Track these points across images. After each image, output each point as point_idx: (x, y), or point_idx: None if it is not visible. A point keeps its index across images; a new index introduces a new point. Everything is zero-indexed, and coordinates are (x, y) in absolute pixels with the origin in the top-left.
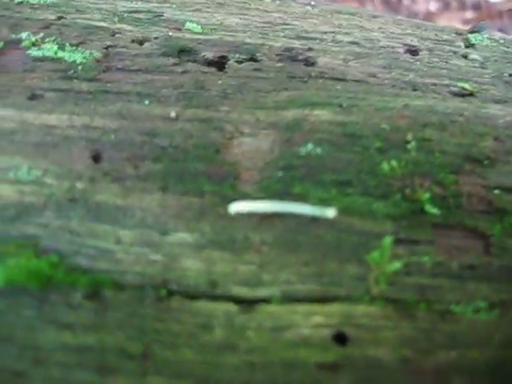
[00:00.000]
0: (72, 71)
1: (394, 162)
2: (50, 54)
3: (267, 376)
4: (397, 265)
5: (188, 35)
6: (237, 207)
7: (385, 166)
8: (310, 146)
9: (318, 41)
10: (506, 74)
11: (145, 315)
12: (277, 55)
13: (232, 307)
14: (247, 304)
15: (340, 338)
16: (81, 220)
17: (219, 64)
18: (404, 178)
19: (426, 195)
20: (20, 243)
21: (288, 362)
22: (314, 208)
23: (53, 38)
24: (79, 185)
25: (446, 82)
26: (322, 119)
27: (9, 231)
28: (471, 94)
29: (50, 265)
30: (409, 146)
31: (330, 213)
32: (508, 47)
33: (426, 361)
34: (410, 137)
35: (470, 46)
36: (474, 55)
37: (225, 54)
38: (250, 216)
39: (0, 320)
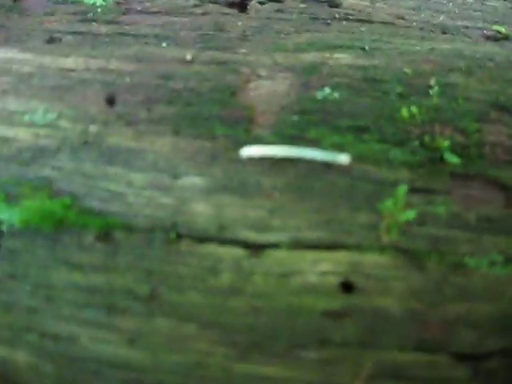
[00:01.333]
0: (91, 13)
1: (414, 108)
2: None
3: (272, 321)
4: (410, 214)
5: None
6: (249, 151)
7: (404, 112)
8: (327, 90)
9: None
10: None
11: (153, 257)
12: None
13: (240, 251)
14: (255, 249)
15: (347, 287)
16: (94, 163)
17: (241, 5)
18: (424, 124)
19: (446, 143)
20: (35, 185)
21: (293, 308)
22: (327, 153)
23: None
24: (93, 128)
25: (480, 24)
26: (341, 63)
27: (25, 173)
28: (506, 38)
29: (62, 206)
30: (431, 92)
31: (344, 159)
32: None
33: (434, 313)
34: (433, 82)
35: None
36: None
37: None
38: (261, 161)
39: (16, 259)
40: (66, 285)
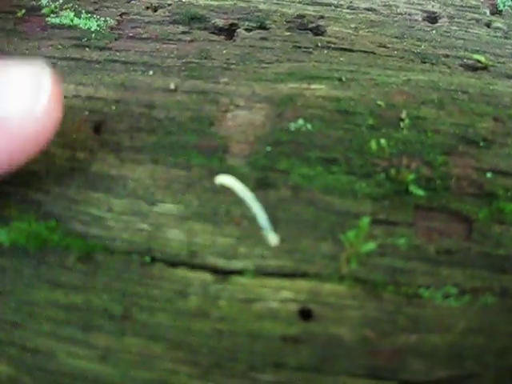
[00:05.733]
0: (86, 39)
1: (383, 141)
2: (66, 21)
3: (233, 344)
4: (371, 245)
5: (201, 1)
6: (222, 180)
7: (373, 144)
8: (300, 122)
9: (332, 7)
10: None
11: (128, 279)
12: (287, 22)
13: (208, 277)
14: (222, 275)
15: (305, 314)
16: (78, 188)
17: (228, 32)
18: (392, 157)
19: (411, 176)
20: (23, 207)
21: (254, 333)
22: (266, 223)
23: (70, 4)
24: (79, 155)
25: (461, 53)
26: (316, 94)
27: (14, 196)
28: (485, 68)
29: (47, 229)
30: (402, 125)
31: (272, 238)
32: None
33: (385, 342)
34: (404, 115)
35: (496, 12)
36: (498, 23)
37: (235, 22)
38: (233, 190)
39: (3, 276)
40: (48, 302)
